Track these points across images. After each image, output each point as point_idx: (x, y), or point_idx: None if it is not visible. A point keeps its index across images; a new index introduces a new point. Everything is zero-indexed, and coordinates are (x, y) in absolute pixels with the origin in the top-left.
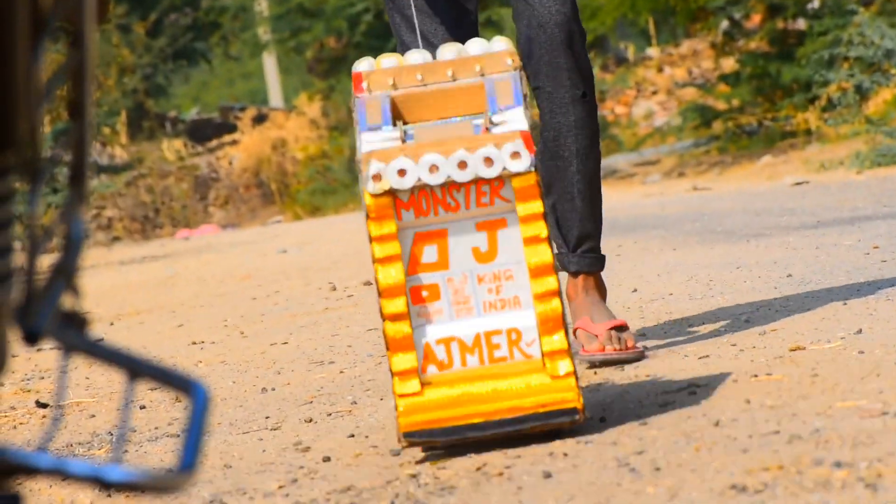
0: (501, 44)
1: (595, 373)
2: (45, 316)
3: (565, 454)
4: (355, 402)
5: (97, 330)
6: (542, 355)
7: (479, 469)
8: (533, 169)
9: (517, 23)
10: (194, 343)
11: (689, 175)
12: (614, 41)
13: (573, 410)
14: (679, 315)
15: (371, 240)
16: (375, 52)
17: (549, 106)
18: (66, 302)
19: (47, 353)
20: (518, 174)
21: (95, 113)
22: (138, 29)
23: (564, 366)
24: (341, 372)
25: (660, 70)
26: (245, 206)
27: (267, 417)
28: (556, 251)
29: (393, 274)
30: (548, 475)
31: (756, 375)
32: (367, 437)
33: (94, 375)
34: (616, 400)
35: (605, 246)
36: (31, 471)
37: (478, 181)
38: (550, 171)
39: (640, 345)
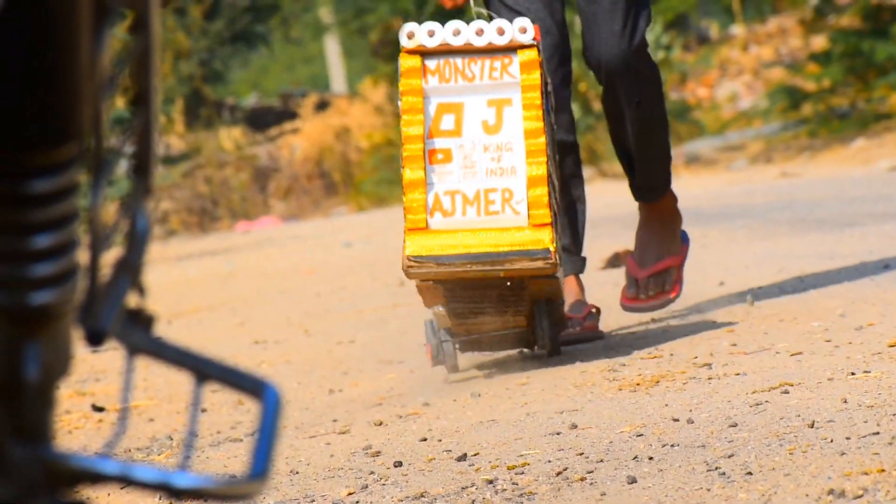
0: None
1: (683, 371)
2: (109, 315)
3: (650, 458)
4: (427, 404)
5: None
6: (527, 208)
7: (559, 474)
8: (535, 44)
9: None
10: (256, 342)
11: (778, 161)
12: (696, 19)
13: (546, 251)
14: (769, 310)
15: (401, 94)
16: None
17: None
18: (131, 300)
19: (102, 354)
20: (524, 46)
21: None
22: (194, 12)
23: (541, 216)
24: (412, 372)
25: (745, 49)
26: (307, 198)
27: (334, 420)
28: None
29: (416, 126)
30: (632, 480)
31: (853, 373)
32: (440, 440)
33: (152, 377)
34: (704, 400)
35: (690, 236)
36: (95, 477)
37: (492, 57)
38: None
39: (675, 292)
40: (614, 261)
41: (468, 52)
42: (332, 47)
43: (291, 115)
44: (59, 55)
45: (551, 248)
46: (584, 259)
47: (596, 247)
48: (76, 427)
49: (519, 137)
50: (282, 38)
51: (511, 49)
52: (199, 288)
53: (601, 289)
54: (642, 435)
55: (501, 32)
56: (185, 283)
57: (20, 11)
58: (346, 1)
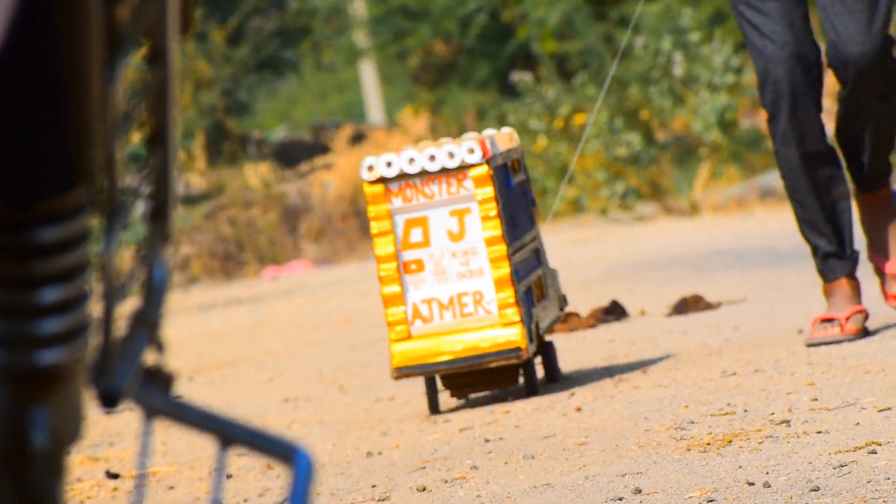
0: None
1: (758, 430)
2: (125, 374)
3: None
4: (475, 467)
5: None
6: (497, 308)
7: None
8: (485, 162)
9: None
10: (286, 400)
11: None
12: None
13: (516, 350)
14: (854, 360)
15: (370, 220)
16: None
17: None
18: (148, 357)
19: (117, 416)
20: (473, 165)
21: (178, 137)
22: (216, 36)
23: (510, 315)
24: (460, 431)
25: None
26: (341, 240)
27: (374, 486)
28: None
29: (387, 247)
30: None
31: None
32: None
33: (171, 440)
34: (782, 461)
35: (765, 278)
36: None
37: (447, 174)
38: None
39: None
40: (681, 307)
41: (425, 174)
42: (368, 74)
43: (324, 149)
44: (68, 91)
45: (521, 347)
46: (854, 257)
47: (663, 292)
48: (88, 496)
49: (482, 243)
50: (313, 65)
51: (462, 168)
52: (222, 341)
53: (667, 336)
54: (714, 500)
55: (451, 156)
56: (208, 335)
57: (26, 42)
58: (384, 23)
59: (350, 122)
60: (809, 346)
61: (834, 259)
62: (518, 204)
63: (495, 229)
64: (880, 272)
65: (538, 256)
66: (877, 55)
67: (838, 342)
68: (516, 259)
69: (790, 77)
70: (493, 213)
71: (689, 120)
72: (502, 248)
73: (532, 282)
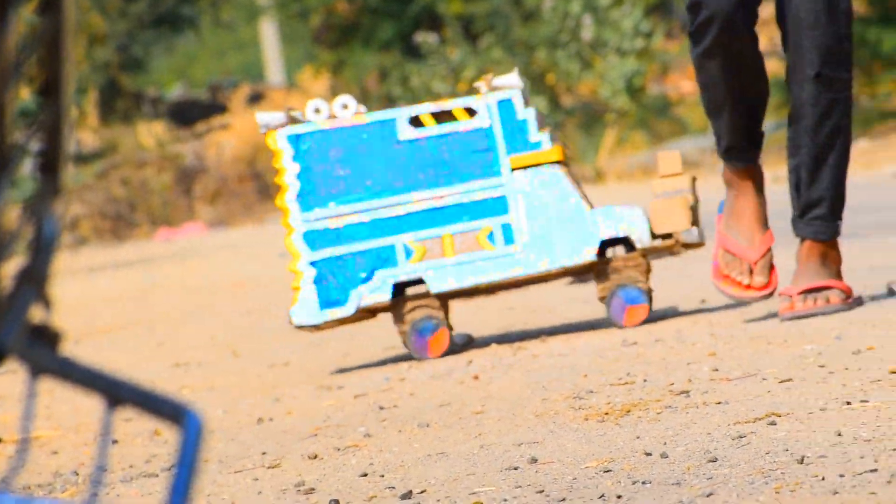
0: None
1: (658, 400)
2: (10, 330)
3: (619, 496)
4: (369, 435)
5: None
6: None
7: None
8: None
9: None
10: (177, 365)
11: (770, 163)
12: (679, 4)
13: None
14: (757, 332)
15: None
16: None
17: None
18: (35, 314)
19: (1, 376)
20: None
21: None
22: None
23: None
24: (354, 398)
25: None
26: (237, 202)
27: (264, 453)
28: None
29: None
30: None
31: (849, 403)
32: (382, 476)
33: (56, 404)
34: (680, 432)
35: None
36: None
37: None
38: (793, 136)
39: (853, 298)
40: (582, 275)
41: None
42: (269, 33)
43: (221, 109)
44: None
45: None
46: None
47: None
48: None
49: None
50: (211, 22)
51: None
52: (112, 304)
53: (567, 305)
54: (610, 471)
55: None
56: (97, 297)
57: None
58: None
59: (248, 81)
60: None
61: (736, 151)
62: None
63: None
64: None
65: None
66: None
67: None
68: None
69: (724, 3)
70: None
71: (597, 85)
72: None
73: None
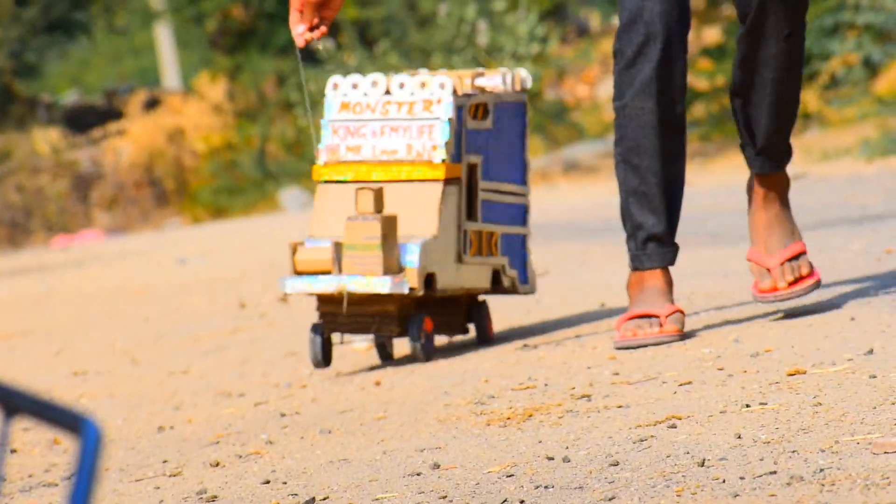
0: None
1: (559, 404)
2: None
3: (521, 501)
4: (270, 442)
5: None
6: None
7: None
8: None
9: None
10: (76, 373)
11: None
12: (574, 9)
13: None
14: None
15: None
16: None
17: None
18: None
19: None
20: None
21: None
22: None
23: None
24: (254, 405)
25: None
26: (135, 208)
27: (164, 462)
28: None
29: None
30: None
31: (748, 405)
32: (284, 483)
33: None
34: (582, 436)
35: (568, 251)
36: None
37: None
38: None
39: (817, 277)
40: None
41: None
42: (164, 37)
43: (117, 115)
44: None
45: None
46: (676, 249)
47: None
48: None
49: None
50: (105, 27)
51: None
52: (8, 311)
53: None
54: (513, 475)
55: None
56: None
57: None
58: None
59: (144, 87)
60: (621, 349)
61: (656, 245)
62: None
63: None
64: (760, 267)
65: None
66: None
67: (658, 344)
68: None
69: (667, 18)
70: None
71: None
72: None
73: None
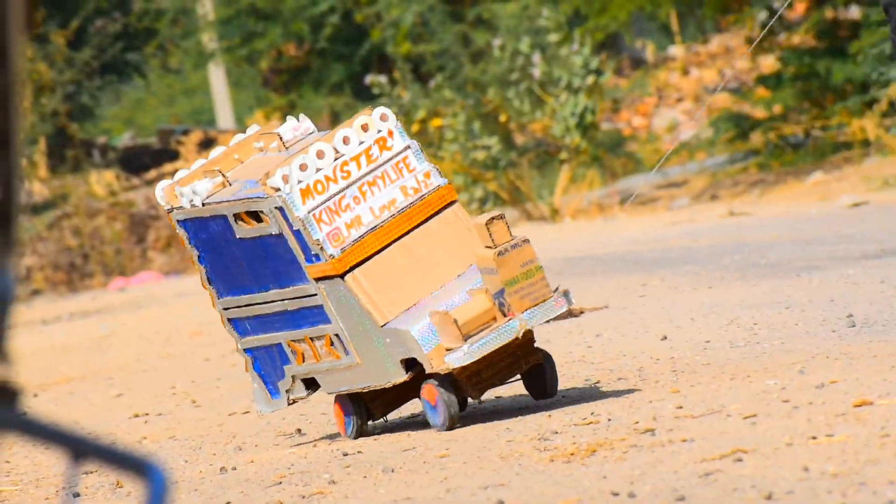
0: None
1: (623, 438)
2: None
3: None
4: (333, 482)
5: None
6: None
7: None
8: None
9: None
10: (137, 416)
11: (724, 198)
12: (629, 39)
13: None
14: (719, 366)
15: None
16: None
17: None
18: None
19: None
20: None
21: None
22: (57, 39)
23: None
24: (315, 445)
25: (685, 73)
26: None
27: (228, 503)
28: None
29: None
30: None
31: (815, 437)
32: None
33: (16, 459)
34: (647, 471)
35: (628, 285)
36: None
37: None
38: None
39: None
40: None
41: None
42: (218, 77)
43: (172, 156)
44: None
45: None
46: None
47: None
48: None
49: None
50: (159, 68)
51: None
52: (69, 355)
53: None
54: None
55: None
56: (53, 349)
57: None
58: (233, 25)
59: (199, 127)
60: None
61: None
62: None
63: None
64: None
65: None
66: None
67: None
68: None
69: None
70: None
71: (549, 123)
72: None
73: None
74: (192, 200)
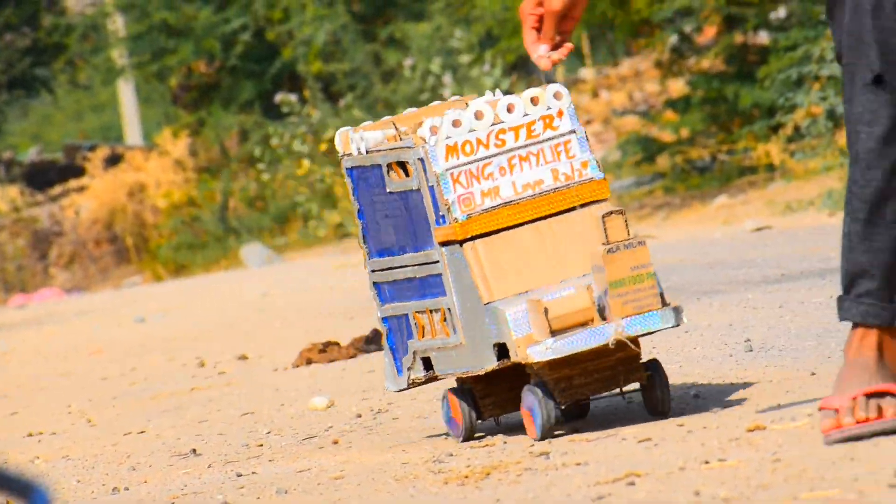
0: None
1: (518, 462)
2: None
3: None
4: (227, 503)
5: None
6: None
7: None
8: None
9: None
10: (31, 434)
11: (630, 220)
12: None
13: None
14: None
15: None
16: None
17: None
18: None
19: None
20: None
21: None
22: None
23: None
24: (209, 466)
25: (595, 95)
26: (95, 266)
27: None
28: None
29: None
30: None
31: (707, 462)
32: None
33: None
34: (540, 494)
35: None
36: None
37: None
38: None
39: None
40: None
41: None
42: (127, 93)
43: (78, 172)
44: None
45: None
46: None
47: None
48: None
49: None
50: (67, 84)
51: None
52: None
53: None
54: None
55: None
56: None
57: None
58: (143, 41)
59: (106, 143)
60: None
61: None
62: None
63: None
64: None
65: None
66: None
67: None
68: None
69: None
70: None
71: None
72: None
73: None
74: (359, 147)
